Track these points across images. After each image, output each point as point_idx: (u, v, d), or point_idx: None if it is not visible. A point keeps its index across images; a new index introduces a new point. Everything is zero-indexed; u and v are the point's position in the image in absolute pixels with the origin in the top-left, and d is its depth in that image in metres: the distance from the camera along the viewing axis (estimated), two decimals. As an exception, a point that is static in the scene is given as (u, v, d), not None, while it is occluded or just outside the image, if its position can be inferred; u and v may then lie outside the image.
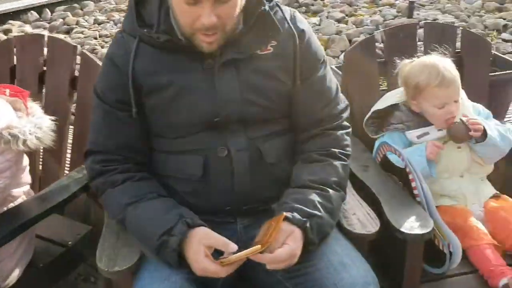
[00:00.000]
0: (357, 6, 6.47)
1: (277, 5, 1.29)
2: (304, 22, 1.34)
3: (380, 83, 1.93)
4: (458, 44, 1.93)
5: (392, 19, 5.67)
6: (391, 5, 6.45)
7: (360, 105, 1.83)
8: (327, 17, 5.74)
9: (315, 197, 1.24)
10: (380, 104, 1.73)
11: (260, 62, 1.27)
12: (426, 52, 1.84)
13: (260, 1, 1.25)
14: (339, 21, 5.61)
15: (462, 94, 1.70)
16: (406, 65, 1.66)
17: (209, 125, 1.28)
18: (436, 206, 1.62)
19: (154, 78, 1.26)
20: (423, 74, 1.58)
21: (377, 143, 1.72)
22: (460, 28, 2.00)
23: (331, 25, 5.27)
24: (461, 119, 1.56)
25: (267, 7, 1.24)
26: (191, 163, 1.30)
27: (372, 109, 1.73)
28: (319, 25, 5.49)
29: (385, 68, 1.86)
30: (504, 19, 5.89)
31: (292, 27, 1.29)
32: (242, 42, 1.25)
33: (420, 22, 4.34)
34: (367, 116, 1.73)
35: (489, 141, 1.56)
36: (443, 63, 1.58)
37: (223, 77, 1.26)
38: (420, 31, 2.10)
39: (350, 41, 4.82)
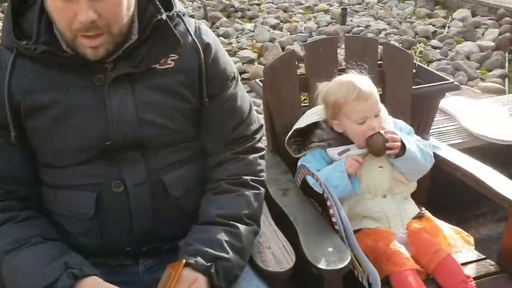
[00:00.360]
0: (293, 12, 6.49)
1: (179, 15, 1.17)
2: (210, 36, 1.23)
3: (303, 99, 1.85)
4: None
5: (325, 25, 5.71)
6: (326, 11, 6.51)
7: (282, 122, 1.74)
8: (262, 23, 5.71)
9: (222, 236, 1.12)
10: (301, 122, 1.65)
11: (159, 78, 1.14)
12: (347, 66, 1.78)
13: (157, 10, 1.12)
14: (274, 27, 5.59)
15: (383, 110, 1.65)
16: (324, 86, 1.59)
17: (100, 151, 1.12)
18: (360, 229, 1.57)
19: (35, 96, 1.09)
20: (341, 90, 1.52)
21: (299, 163, 1.63)
22: (388, 39, 1.95)
23: (265, 32, 5.23)
24: (379, 132, 1.51)
25: (164, 17, 1.11)
26: (82, 199, 1.14)
27: (293, 128, 1.64)
28: (253, 31, 5.43)
29: (306, 83, 1.78)
30: (434, 25, 6.08)
31: (196, 40, 1.17)
32: (137, 55, 1.11)
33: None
34: (288, 135, 1.64)
35: (408, 155, 1.52)
36: (360, 79, 1.53)
37: (115, 94, 1.11)
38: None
39: (283, 48, 4.80)
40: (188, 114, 1.18)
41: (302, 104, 1.79)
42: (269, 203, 1.46)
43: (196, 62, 1.16)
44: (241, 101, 1.25)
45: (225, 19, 6.06)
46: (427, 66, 4.77)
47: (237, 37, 5.26)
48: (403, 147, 1.52)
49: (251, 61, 3.70)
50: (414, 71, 2.19)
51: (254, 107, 1.34)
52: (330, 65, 1.76)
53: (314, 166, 1.58)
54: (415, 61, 2.22)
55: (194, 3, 7.37)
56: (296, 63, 1.79)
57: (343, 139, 1.58)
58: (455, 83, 2.10)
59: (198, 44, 1.16)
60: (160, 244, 1.20)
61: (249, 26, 5.65)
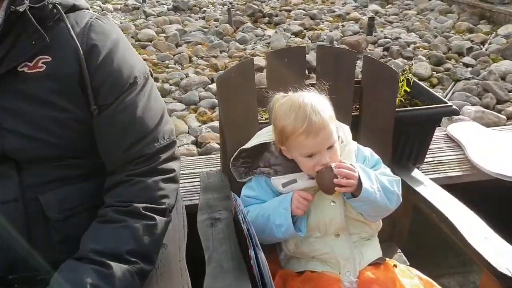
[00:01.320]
0: (321, 19, 6.22)
1: (56, 7, 0.98)
2: (105, 34, 1.04)
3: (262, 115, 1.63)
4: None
5: (350, 35, 5.42)
6: (357, 21, 6.21)
7: (234, 140, 1.52)
8: (284, 30, 5.49)
9: (88, 278, 0.92)
10: (251, 142, 1.43)
11: (23, 83, 0.96)
12: (318, 79, 1.55)
13: None
14: (296, 34, 5.36)
15: (345, 135, 1.41)
16: (277, 101, 1.35)
17: None
18: (302, 272, 1.34)
19: None
20: (289, 117, 1.27)
21: (242, 190, 1.42)
22: (364, 54, 1.70)
23: (281, 39, 5.00)
24: (330, 166, 1.26)
25: (24, 8, 0.93)
26: None
27: (240, 149, 1.42)
28: (270, 37, 5.23)
29: (266, 97, 1.56)
30: (472, 41, 5.67)
31: (77, 40, 0.98)
32: None
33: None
34: (234, 155, 1.42)
35: (365, 197, 1.27)
36: (314, 104, 1.27)
37: None
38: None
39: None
40: (71, 126, 1.00)
41: (260, 121, 1.57)
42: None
43: (75, 67, 0.97)
44: (143, 111, 1.06)
45: (249, 24, 5.88)
46: (454, 85, 4.45)
47: (254, 43, 5.06)
48: (360, 184, 1.28)
49: (259, 69, 3.49)
50: (408, 90, 1.93)
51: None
52: (295, 78, 1.54)
53: (258, 196, 1.36)
54: (409, 78, 1.96)
55: (225, 6, 7.24)
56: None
57: (292, 167, 1.35)
58: (453, 107, 1.83)
59: (79, 45, 0.98)
60: (35, 274, 1.02)
61: (270, 32, 5.44)
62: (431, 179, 1.89)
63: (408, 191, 1.56)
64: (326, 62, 1.60)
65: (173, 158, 1.11)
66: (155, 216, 1.04)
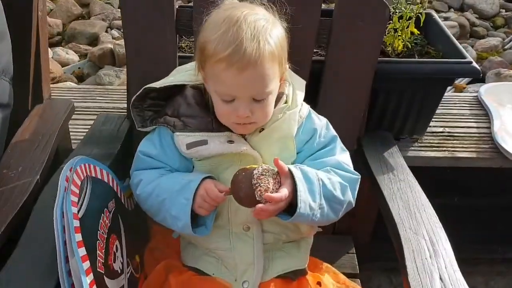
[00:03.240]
0: None
1: None
2: None
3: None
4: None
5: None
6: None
7: (139, 77, 1.12)
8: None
9: None
10: (161, 81, 1.01)
11: None
12: None
13: None
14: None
15: (294, 93, 0.97)
16: (217, 9, 0.90)
17: None
18: (193, 267, 0.97)
19: None
20: (215, 31, 0.84)
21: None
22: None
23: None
24: (254, 173, 0.84)
25: None
26: None
27: (145, 87, 1.01)
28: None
29: (190, 21, 1.12)
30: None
31: None
32: None
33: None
34: (137, 93, 1.00)
35: (297, 219, 0.87)
36: (260, 27, 0.84)
37: None
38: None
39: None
40: None
41: (179, 53, 1.14)
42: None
43: None
44: None
45: None
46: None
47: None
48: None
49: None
50: (416, 31, 1.40)
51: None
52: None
53: (159, 156, 0.97)
54: (426, 11, 1.42)
55: None
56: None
57: (208, 123, 0.94)
58: (473, 65, 1.30)
59: None
60: None
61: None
62: (429, 157, 1.45)
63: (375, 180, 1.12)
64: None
65: None
66: None
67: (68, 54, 2.75)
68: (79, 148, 1.06)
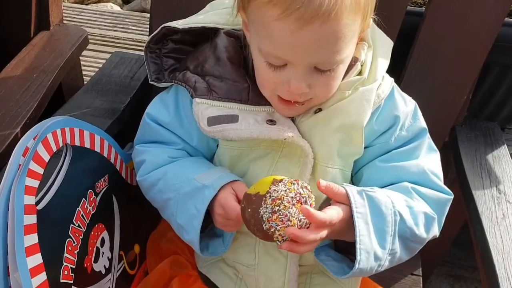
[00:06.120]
0: None
1: None
2: None
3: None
4: None
5: None
6: None
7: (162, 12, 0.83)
8: None
9: None
10: (188, 20, 0.72)
11: None
12: None
13: None
14: None
15: (376, 61, 0.66)
16: None
17: None
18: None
19: None
20: None
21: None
22: None
23: None
24: (261, 212, 0.55)
25: None
26: None
27: (163, 25, 0.71)
28: None
29: None
30: None
31: None
32: None
33: None
34: (154, 33, 0.72)
35: (356, 274, 0.58)
36: None
37: None
38: None
39: None
40: None
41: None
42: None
43: None
44: None
45: None
46: None
47: None
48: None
49: None
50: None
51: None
52: None
53: (171, 125, 0.71)
54: None
55: None
56: None
57: (243, 89, 0.65)
58: None
59: None
60: None
61: None
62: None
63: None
64: None
65: None
66: None
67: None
68: (76, 97, 0.81)
